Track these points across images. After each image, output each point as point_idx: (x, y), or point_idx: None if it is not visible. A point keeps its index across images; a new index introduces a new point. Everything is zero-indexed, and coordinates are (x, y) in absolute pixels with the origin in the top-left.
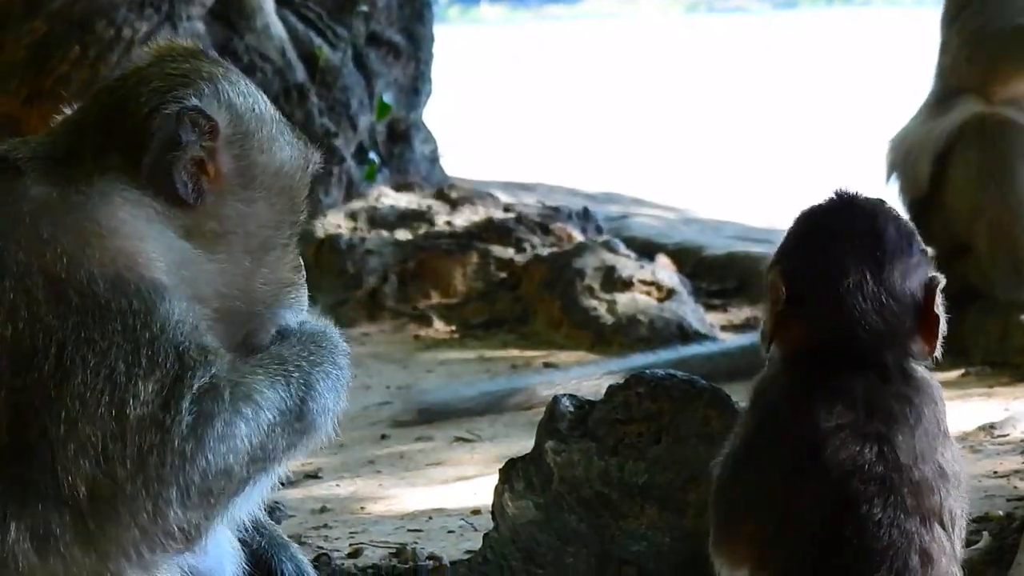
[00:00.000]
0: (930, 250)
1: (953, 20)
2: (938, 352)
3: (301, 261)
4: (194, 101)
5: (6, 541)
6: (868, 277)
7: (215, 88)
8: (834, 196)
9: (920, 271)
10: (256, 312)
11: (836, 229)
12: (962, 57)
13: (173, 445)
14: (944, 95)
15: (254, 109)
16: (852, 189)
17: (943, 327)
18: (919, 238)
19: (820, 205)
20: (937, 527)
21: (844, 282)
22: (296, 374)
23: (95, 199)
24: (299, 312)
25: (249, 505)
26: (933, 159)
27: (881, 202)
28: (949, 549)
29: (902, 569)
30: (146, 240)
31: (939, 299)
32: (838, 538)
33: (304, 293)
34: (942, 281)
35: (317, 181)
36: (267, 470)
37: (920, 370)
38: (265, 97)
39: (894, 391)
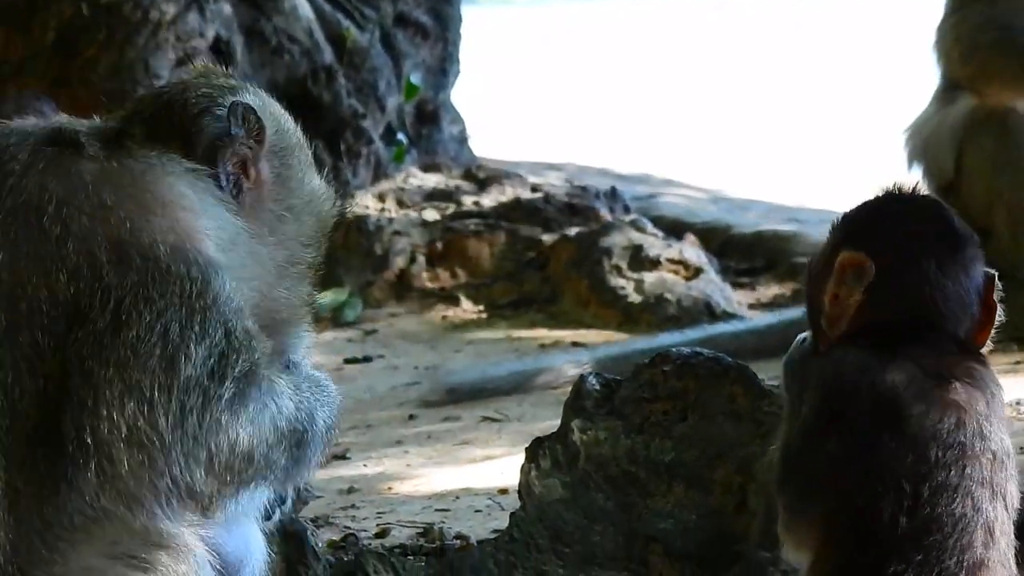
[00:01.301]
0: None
1: (952, 12)
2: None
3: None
4: (248, 99)
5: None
6: (947, 258)
7: (262, 100)
8: (894, 189)
9: (980, 264)
10: (274, 322)
11: (910, 216)
12: (955, 55)
13: (212, 412)
14: (948, 86)
15: (295, 133)
16: (907, 184)
17: (1000, 317)
18: (976, 236)
19: (885, 196)
20: (1001, 505)
21: (930, 261)
22: (305, 404)
23: (156, 171)
24: (304, 349)
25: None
26: (947, 144)
27: (938, 199)
28: (1009, 532)
29: (967, 544)
30: (202, 215)
31: (997, 291)
32: (913, 504)
33: (308, 335)
34: (997, 275)
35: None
36: (266, 477)
37: (982, 353)
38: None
39: (969, 365)
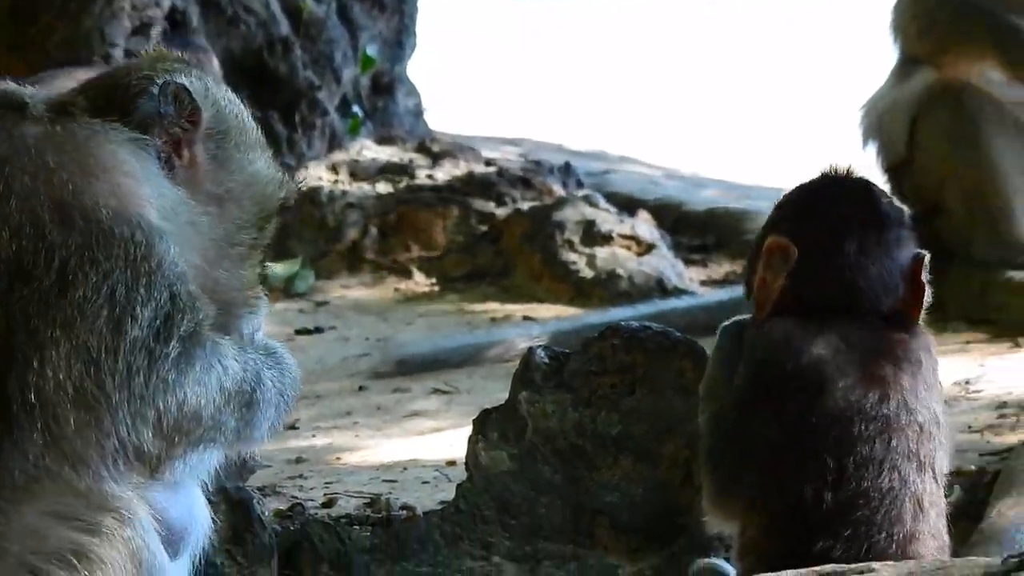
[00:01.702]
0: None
1: None
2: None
3: (263, 280)
4: (183, 80)
5: None
6: (870, 240)
7: (204, 83)
8: (829, 171)
9: (909, 244)
10: (216, 301)
11: (837, 199)
12: (913, 31)
13: (159, 372)
14: (905, 61)
15: (238, 115)
16: (843, 166)
17: (928, 298)
18: (906, 216)
19: (817, 179)
20: (929, 477)
21: (850, 243)
22: (251, 366)
23: (99, 137)
24: (255, 326)
25: (201, 472)
26: (906, 122)
27: (870, 180)
28: (938, 503)
29: (896, 517)
30: (144, 183)
31: (926, 271)
32: (838, 479)
33: (262, 311)
34: (927, 255)
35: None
36: (216, 440)
37: (915, 323)
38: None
39: (895, 337)
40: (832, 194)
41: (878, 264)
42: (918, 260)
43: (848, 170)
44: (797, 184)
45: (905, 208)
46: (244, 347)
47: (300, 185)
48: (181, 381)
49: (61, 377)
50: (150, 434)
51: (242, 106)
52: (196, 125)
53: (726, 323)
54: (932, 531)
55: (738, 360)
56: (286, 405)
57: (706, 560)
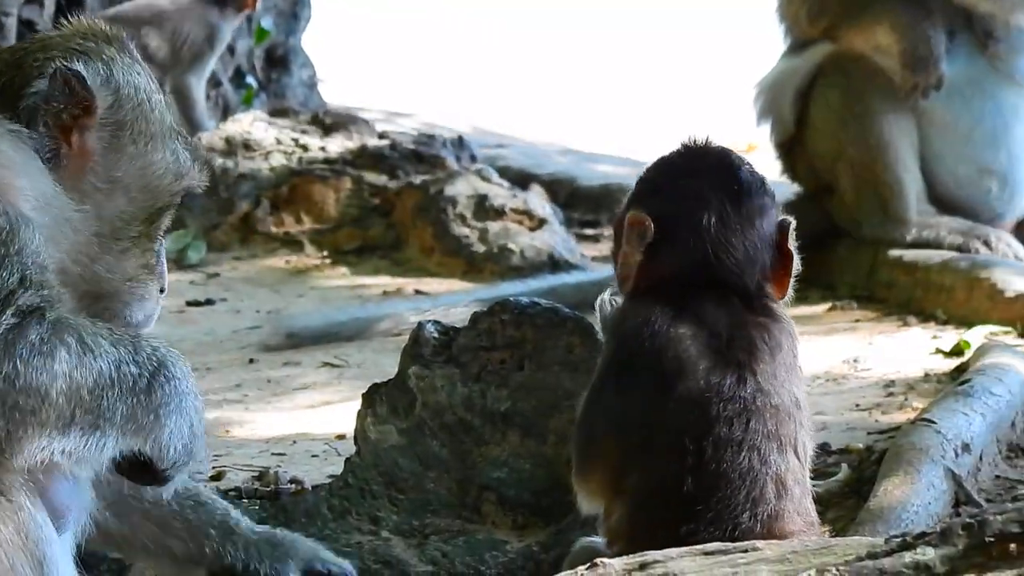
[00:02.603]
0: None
1: None
2: (789, 294)
3: (162, 267)
4: (78, 68)
5: None
6: (729, 211)
7: (109, 70)
8: (688, 144)
9: (773, 212)
10: (97, 293)
11: (695, 171)
12: (803, 15)
13: None
14: (796, 44)
15: (142, 104)
16: (702, 137)
17: (797, 266)
18: (768, 183)
19: (676, 151)
20: (792, 456)
21: (709, 216)
22: (148, 351)
23: None
24: (148, 314)
25: (92, 461)
26: (794, 99)
27: (730, 150)
28: (803, 480)
29: (758, 497)
30: (20, 174)
31: (792, 238)
32: (697, 461)
33: (155, 296)
34: (793, 222)
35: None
36: (100, 427)
37: (777, 305)
38: (164, 101)
39: (755, 321)
40: (690, 166)
41: (740, 236)
42: (784, 228)
43: (707, 140)
44: (658, 157)
45: (766, 176)
46: (140, 338)
47: (208, 173)
48: (10, 354)
49: None
50: None
51: (155, 91)
52: (89, 113)
53: (599, 301)
54: (798, 509)
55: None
56: (196, 411)
57: (588, 539)
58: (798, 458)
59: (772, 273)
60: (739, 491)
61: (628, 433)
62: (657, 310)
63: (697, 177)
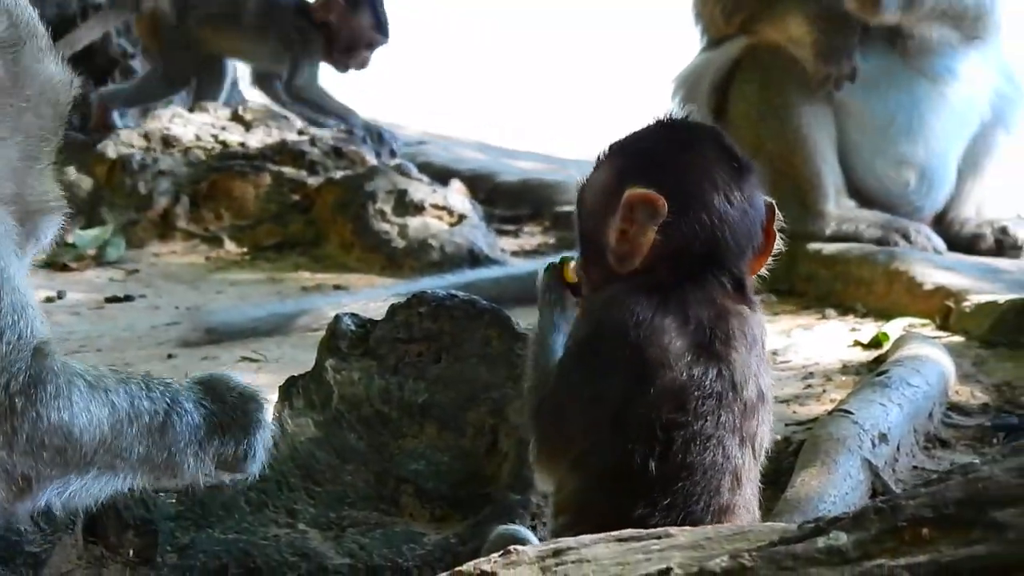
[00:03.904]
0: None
1: None
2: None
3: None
4: None
5: None
6: (732, 188)
7: None
8: (666, 119)
9: (761, 191)
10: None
11: (692, 144)
12: (718, 13)
13: None
14: (713, 41)
15: (30, 22)
16: (681, 113)
17: (777, 248)
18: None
19: (660, 125)
20: (749, 451)
21: (718, 193)
22: (161, 388)
23: None
24: (55, 231)
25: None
26: (711, 92)
27: (713, 126)
28: (754, 475)
29: (714, 489)
30: None
31: (778, 218)
32: (664, 451)
33: (59, 214)
34: (775, 203)
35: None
36: (115, 468)
37: (753, 293)
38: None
39: (736, 309)
40: (686, 140)
41: (742, 214)
42: (771, 208)
43: (688, 116)
44: (634, 132)
45: None
46: (151, 379)
47: (79, 85)
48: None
49: None
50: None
51: (32, 9)
52: None
53: (545, 285)
54: (746, 504)
55: (569, 306)
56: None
57: (505, 527)
58: (754, 454)
59: (755, 254)
60: (699, 483)
61: (598, 416)
62: (643, 297)
63: (696, 151)
